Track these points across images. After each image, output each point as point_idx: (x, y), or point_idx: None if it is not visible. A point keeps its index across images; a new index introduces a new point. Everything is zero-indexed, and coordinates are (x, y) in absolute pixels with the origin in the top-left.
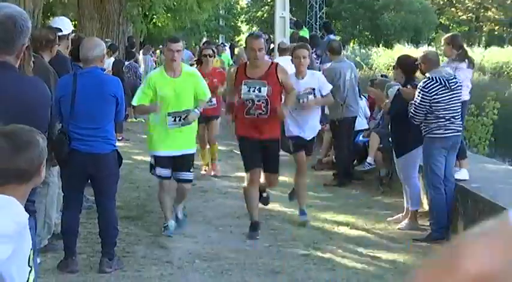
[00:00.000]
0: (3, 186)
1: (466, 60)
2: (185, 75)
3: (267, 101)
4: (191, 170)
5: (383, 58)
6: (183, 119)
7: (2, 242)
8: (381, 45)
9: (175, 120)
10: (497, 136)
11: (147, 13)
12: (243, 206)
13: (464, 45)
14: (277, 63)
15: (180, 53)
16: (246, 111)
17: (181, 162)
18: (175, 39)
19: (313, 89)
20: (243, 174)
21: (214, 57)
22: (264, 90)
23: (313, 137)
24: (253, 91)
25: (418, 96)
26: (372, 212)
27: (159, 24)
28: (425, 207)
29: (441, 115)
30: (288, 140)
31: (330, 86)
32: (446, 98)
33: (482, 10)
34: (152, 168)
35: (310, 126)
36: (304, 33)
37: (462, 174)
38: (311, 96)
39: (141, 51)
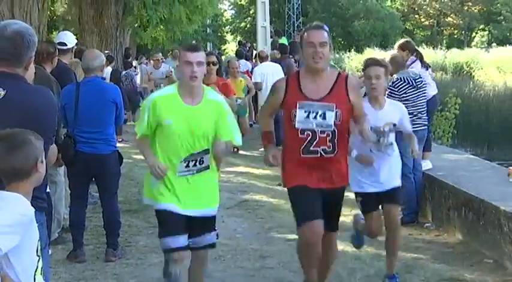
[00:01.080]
0: (8, 185)
1: (419, 62)
2: (207, 104)
3: (334, 133)
4: (215, 228)
5: (354, 62)
6: (199, 163)
7: (11, 232)
8: (352, 50)
9: (188, 165)
10: (459, 129)
11: (142, 25)
12: (232, 197)
13: (420, 48)
14: (347, 75)
15: (203, 68)
16: (303, 148)
17: (201, 224)
18: (195, 47)
19: (395, 125)
20: (232, 168)
21: (220, 66)
22: (331, 117)
23: (396, 186)
24: (315, 118)
25: (389, 95)
26: (348, 200)
27: (152, 35)
28: None
29: (410, 111)
30: (356, 196)
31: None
32: (414, 95)
33: (442, 16)
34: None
35: (388, 175)
36: (284, 41)
37: (426, 165)
38: (392, 135)
39: (135, 61)
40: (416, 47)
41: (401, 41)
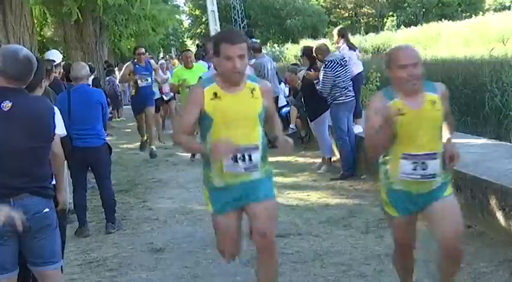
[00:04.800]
0: None
1: (347, 45)
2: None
3: None
4: None
5: (292, 51)
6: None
7: None
8: (289, 42)
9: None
10: None
11: (117, 39)
12: None
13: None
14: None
15: None
16: None
17: None
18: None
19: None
20: None
21: None
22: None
23: None
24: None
25: (324, 75)
26: (298, 163)
27: (126, 47)
28: (337, 155)
29: (342, 86)
30: None
31: None
32: (343, 72)
33: (358, 8)
34: None
35: None
36: None
37: (357, 129)
38: None
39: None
40: (345, 33)
41: (337, 27)
